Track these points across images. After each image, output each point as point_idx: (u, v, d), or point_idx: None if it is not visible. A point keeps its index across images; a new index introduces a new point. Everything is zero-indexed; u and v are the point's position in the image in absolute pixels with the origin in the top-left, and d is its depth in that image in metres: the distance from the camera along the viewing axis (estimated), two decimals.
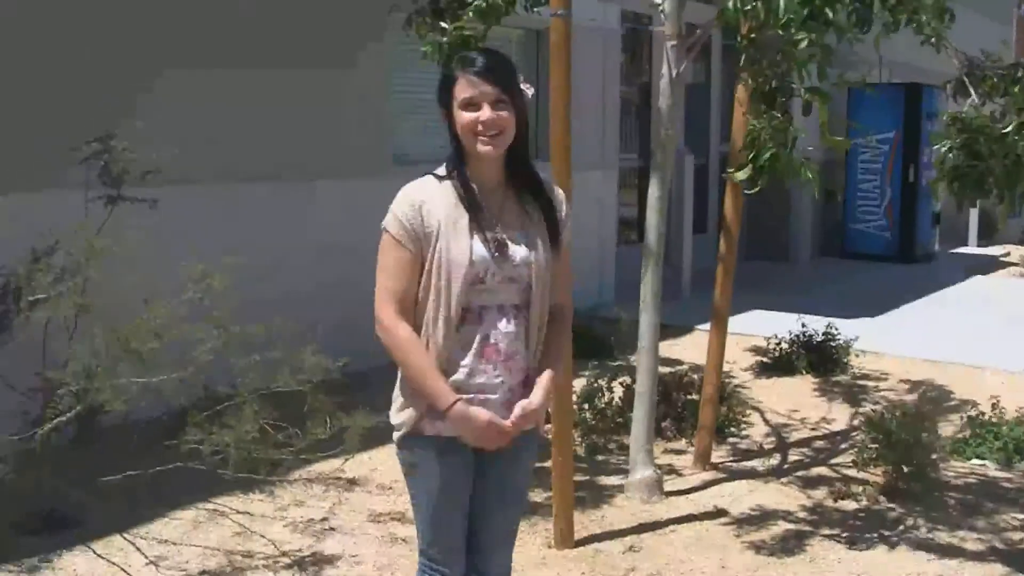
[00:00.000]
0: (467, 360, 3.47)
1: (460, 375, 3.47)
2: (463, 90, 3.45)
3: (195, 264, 5.52)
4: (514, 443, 3.58)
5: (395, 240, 3.42)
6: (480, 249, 3.43)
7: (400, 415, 3.56)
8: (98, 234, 5.55)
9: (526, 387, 3.56)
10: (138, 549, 5.36)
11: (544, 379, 3.56)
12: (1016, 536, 6.18)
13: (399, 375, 3.58)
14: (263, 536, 5.64)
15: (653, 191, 6.43)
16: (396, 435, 3.61)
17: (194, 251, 5.90)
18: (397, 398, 3.59)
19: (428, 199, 3.44)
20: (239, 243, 7.41)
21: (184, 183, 6.96)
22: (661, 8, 6.35)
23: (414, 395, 3.50)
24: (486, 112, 3.42)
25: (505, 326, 3.50)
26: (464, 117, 3.44)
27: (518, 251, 3.50)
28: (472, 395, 3.46)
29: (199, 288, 5.47)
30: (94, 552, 5.33)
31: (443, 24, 6.26)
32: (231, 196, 7.91)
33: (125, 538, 5.47)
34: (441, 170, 3.54)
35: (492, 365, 3.49)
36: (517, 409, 3.49)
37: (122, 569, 5.17)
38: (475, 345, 3.47)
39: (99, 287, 5.41)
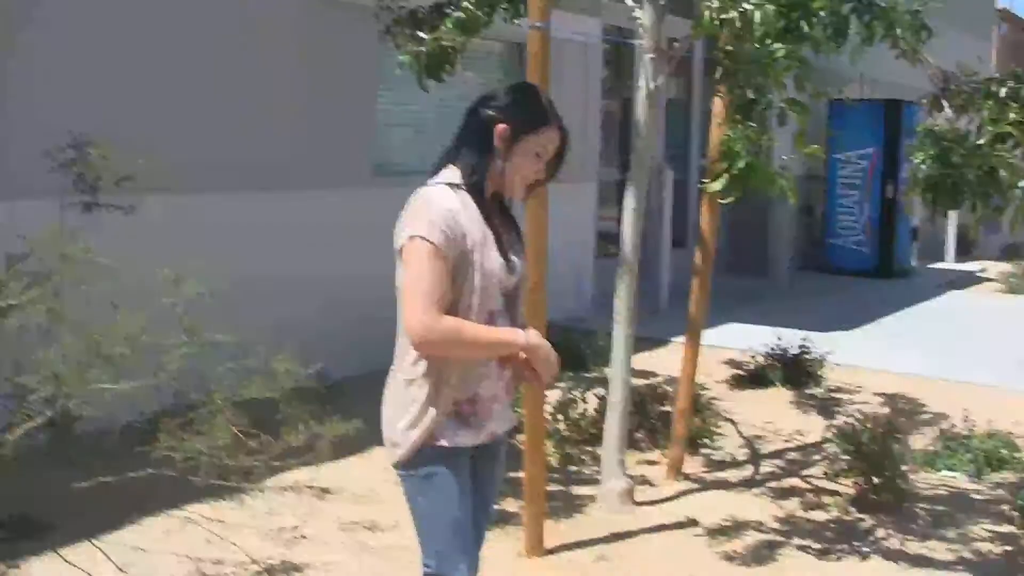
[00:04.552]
0: (489, 365, 3.56)
1: (488, 380, 3.56)
2: (547, 140, 3.59)
3: (168, 271, 5.51)
4: (496, 446, 3.74)
5: (436, 248, 3.37)
6: (502, 262, 3.52)
7: (412, 431, 3.52)
8: (72, 240, 5.53)
9: (510, 384, 3.68)
10: (107, 556, 5.32)
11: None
12: (985, 547, 6.21)
13: (395, 394, 3.59)
14: (234, 544, 5.61)
15: (629, 203, 6.45)
16: (405, 453, 3.55)
17: (168, 259, 5.89)
18: (402, 415, 3.55)
19: (458, 210, 3.46)
20: (214, 251, 7.40)
21: (159, 191, 6.95)
22: (640, 21, 6.38)
23: (433, 404, 3.51)
24: (541, 170, 3.60)
25: (504, 327, 3.57)
26: (529, 163, 3.57)
27: (517, 262, 3.61)
28: (491, 398, 3.58)
29: (172, 295, 5.45)
30: (63, 558, 5.29)
31: (421, 34, 6.28)
32: (207, 204, 7.89)
33: (95, 544, 5.43)
34: (445, 178, 3.55)
35: (500, 365, 3.59)
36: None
37: (90, 575, 5.15)
38: None
39: (72, 294, 5.40)
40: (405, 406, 3.55)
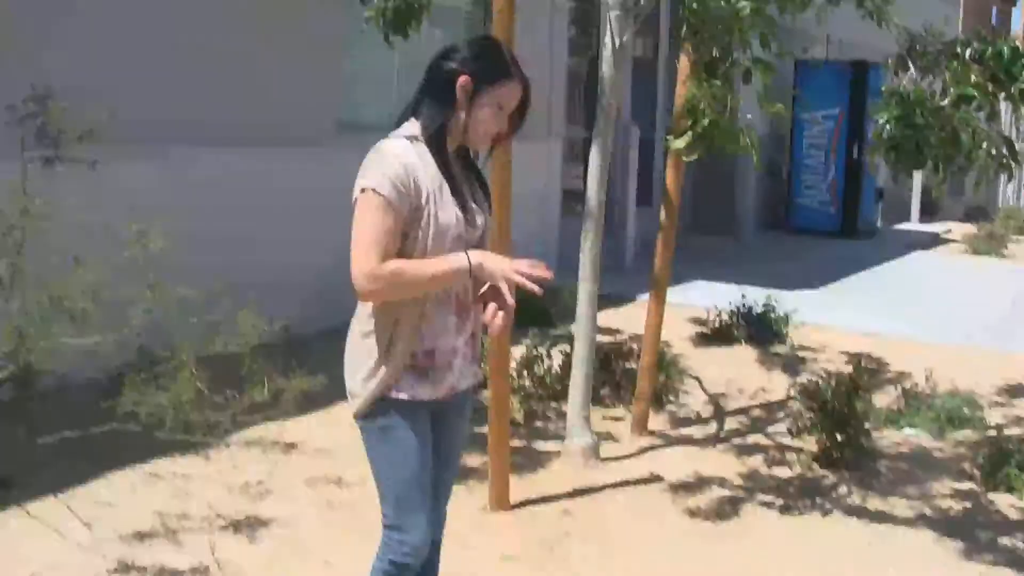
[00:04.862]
0: (449, 319, 3.56)
1: (447, 334, 3.56)
2: (508, 95, 3.56)
3: (131, 225, 5.47)
4: (460, 402, 3.74)
5: (386, 201, 3.38)
6: (460, 214, 3.50)
7: (369, 383, 3.54)
8: (33, 195, 5.49)
9: (474, 340, 3.69)
10: (72, 511, 5.31)
11: None
12: (945, 504, 6.28)
13: (354, 345, 3.61)
14: (199, 498, 5.63)
15: (594, 159, 6.46)
16: (364, 404, 3.57)
17: (131, 213, 5.86)
18: (361, 366, 3.57)
19: (413, 163, 3.45)
20: (177, 205, 7.37)
21: (122, 145, 6.90)
22: None
23: (389, 357, 3.50)
24: (503, 123, 3.58)
25: (466, 281, 3.57)
26: (491, 116, 3.55)
27: (479, 216, 3.62)
28: (450, 351, 3.57)
29: (135, 249, 5.42)
30: (28, 513, 5.28)
31: None
32: (171, 159, 7.84)
33: (59, 499, 5.42)
34: (405, 131, 3.54)
35: (462, 320, 3.59)
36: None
37: (56, 531, 5.13)
38: (452, 302, 3.56)
39: (34, 248, 5.37)
40: (362, 358, 3.57)
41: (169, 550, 5.08)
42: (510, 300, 3.46)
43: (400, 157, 3.44)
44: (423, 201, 3.43)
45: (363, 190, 3.41)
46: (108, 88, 7.00)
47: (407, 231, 3.44)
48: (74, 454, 5.50)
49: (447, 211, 3.47)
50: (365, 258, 3.38)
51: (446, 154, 3.52)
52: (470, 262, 3.40)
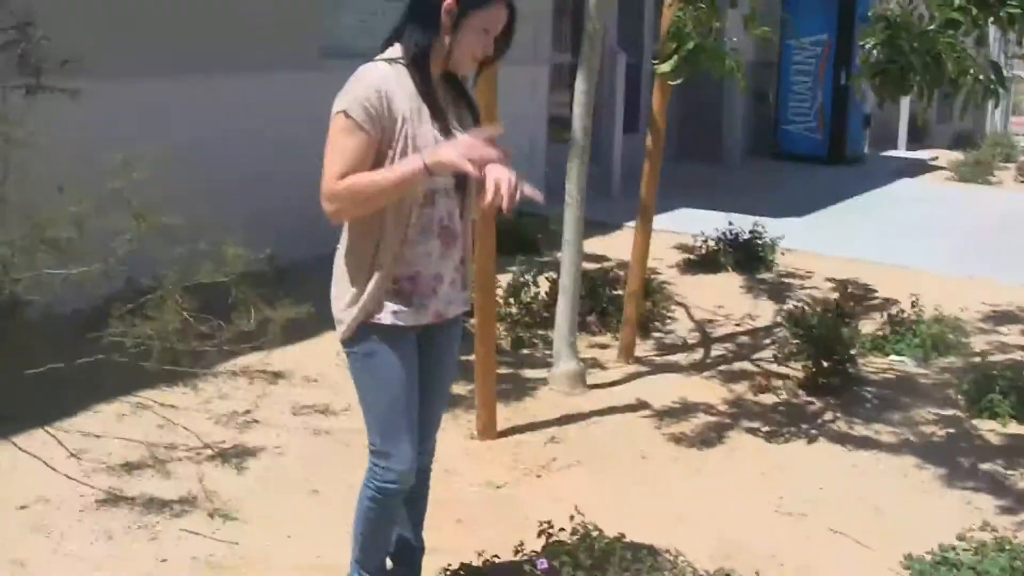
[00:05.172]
0: (432, 244, 3.54)
1: (430, 258, 3.54)
2: (494, 18, 3.51)
3: (115, 154, 5.44)
4: (449, 329, 3.74)
5: (356, 124, 3.37)
6: (440, 138, 3.46)
7: (352, 308, 3.55)
8: (15, 123, 5.45)
9: (463, 266, 3.69)
10: (60, 442, 5.33)
11: None
12: (929, 429, 6.32)
13: (338, 272, 3.61)
14: (186, 428, 5.63)
15: (580, 85, 6.42)
16: (347, 329, 3.58)
17: (115, 143, 5.82)
18: (345, 293, 3.58)
19: (389, 85, 3.43)
20: (162, 135, 7.32)
21: (106, 74, 6.84)
22: None
23: (371, 282, 3.50)
24: (489, 47, 3.53)
25: (451, 207, 3.58)
26: (476, 40, 3.49)
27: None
28: (434, 277, 3.57)
29: (120, 178, 5.39)
30: (15, 445, 5.29)
31: None
32: (153, 87, 7.77)
33: (47, 431, 5.43)
34: (386, 55, 3.52)
35: (446, 246, 3.58)
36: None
37: (44, 462, 5.14)
38: (435, 227, 3.54)
39: (18, 178, 5.34)
40: (346, 285, 3.58)
41: (157, 480, 5.09)
42: (477, 171, 3.28)
43: (375, 80, 3.42)
44: (399, 124, 3.41)
45: (336, 113, 3.42)
46: (90, 16, 6.94)
47: (384, 152, 3.42)
48: (60, 385, 5.50)
49: (425, 134, 3.44)
50: (327, 179, 3.39)
51: (428, 77, 3.48)
52: (424, 161, 3.33)
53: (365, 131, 3.37)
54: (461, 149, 3.29)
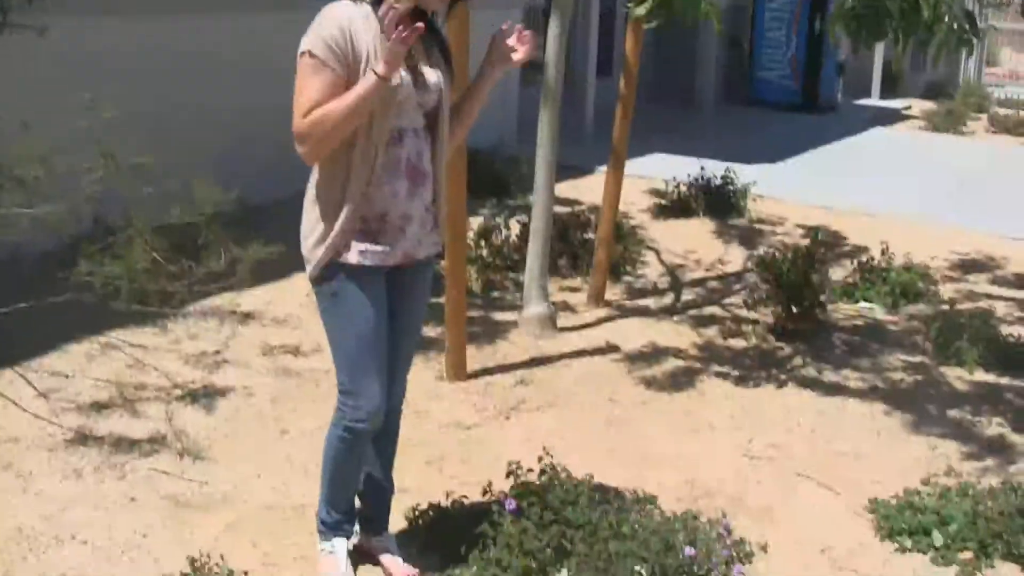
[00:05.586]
0: (399, 184, 3.52)
1: (398, 199, 3.52)
2: None
3: (83, 93, 5.38)
4: (419, 270, 3.73)
5: (321, 62, 3.37)
6: (405, 76, 3.45)
7: (320, 247, 3.54)
8: None
9: (434, 206, 3.66)
10: (28, 382, 5.30)
11: None
12: (897, 376, 6.36)
13: (307, 211, 3.59)
14: (156, 368, 5.62)
15: (553, 29, 6.39)
16: (315, 268, 3.58)
17: (84, 81, 5.76)
18: (313, 231, 3.57)
19: (353, 25, 3.41)
20: (135, 73, 7.26)
21: (74, 10, 6.76)
22: None
23: (338, 221, 3.49)
24: None
25: (420, 147, 3.56)
26: None
27: (431, 77, 3.57)
28: (403, 217, 3.54)
29: (88, 117, 5.33)
30: None
31: None
32: (124, 26, 7.68)
33: (16, 371, 5.40)
34: None
35: (415, 185, 3.56)
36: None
37: (13, 402, 5.12)
38: (402, 166, 3.52)
39: None
40: (313, 223, 3.57)
41: (126, 420, 5.08)
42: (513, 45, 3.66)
43: (339, 18, 3.41)
44: (363, 63, 3.39)
45: (301, 53, 3.42)
46: None
47: (350, 89, 3.40)
48: (29, 325, 5.47)
49: None
50: (296, 119, 3.40)
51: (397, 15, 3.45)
52: (374, 71, 3.33)
53: (330, 68, 3.37)
54: (389, 51, 3.30)
